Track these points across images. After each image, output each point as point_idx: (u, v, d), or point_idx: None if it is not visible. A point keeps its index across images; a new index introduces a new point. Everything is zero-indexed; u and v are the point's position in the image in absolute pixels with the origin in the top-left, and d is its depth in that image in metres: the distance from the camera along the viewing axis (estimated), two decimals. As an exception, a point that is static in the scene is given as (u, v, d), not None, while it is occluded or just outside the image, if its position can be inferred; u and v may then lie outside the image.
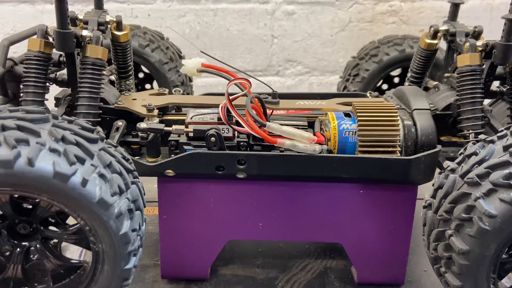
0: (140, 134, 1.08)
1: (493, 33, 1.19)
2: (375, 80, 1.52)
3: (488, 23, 2.03)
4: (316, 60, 2.13)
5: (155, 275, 1.18)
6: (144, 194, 0.93)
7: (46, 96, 1.07)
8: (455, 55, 1.29)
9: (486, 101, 1.19)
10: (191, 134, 1.04)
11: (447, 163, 0.93)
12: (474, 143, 0.93)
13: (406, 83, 1.38)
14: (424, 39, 1.31)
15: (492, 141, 0.88)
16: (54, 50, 1.08)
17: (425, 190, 0.99)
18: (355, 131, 1.04)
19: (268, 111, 1.08)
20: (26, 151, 0.74)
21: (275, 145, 1.01)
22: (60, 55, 1.11)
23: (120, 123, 1.12)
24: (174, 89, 1.33)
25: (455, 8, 1.32)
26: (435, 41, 1.30)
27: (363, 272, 1.15)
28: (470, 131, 1.09)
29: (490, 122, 1.12)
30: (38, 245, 0.90)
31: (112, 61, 1.28)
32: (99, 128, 0.90)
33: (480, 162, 0.85)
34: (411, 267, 1.22)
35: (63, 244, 0.95)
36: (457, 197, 0.85)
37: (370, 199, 1.08)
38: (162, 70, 1.51)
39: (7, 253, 0.89)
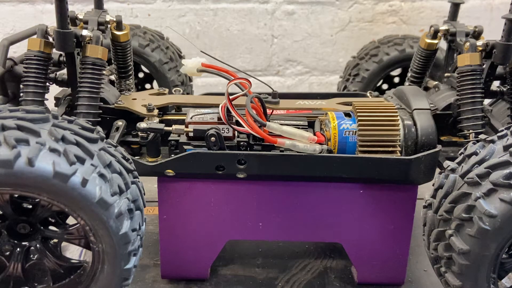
0: (140, 134, 1.08)
1: (493, 33, 1.19)
2: (375, 80, 1.52)
3: (488, 23, 2.03)
4: (316, 60, 2.13)
5: (155, 275, 1.18)
6: (144, 194, 0.93)
7: (46, 96, 1.07)
8: (455, 55, 1.29)
9: (486, 101, 1.19)
10: (191, 134, 1.04)
11: (447, 163, 0.93)
12: (474, 143, 0.92)
13: (406, 83, 1.38)
14: (424, 39, 1.31)
15: (492, 141, 0.88)
16: (54, 50, 1.08)
17: (425, 190, 0.99)
18: (355, 131, 1.04)
19: (268, 111, 1.08)
20: (26, 151, 0.74)
21: (275, 145, 1.01)
22: (60, 55, 1.11)
23: (120, 123, 1.13)
24: (174, 89, 1.33)
25: (455, 8, 1.32)
26: (435, 41, 1.30)
27: (363, 272, 1.15)
28: (470, 131, 1.08)
29: (490, 122, 1.12)
30: (38, 245, 0.90)
31: (112, 61, 1.28)
32: (99, 128, 0.90)
33: (480, 162, 0.85)
34: (411, 267, 1.22)
35: (63, 244, 0.95)
36: (457, 197, 0.85)
37: (370, 199, 1.08)
38: (162, 70, 1.50)
39: (7, 253, 0.89)
